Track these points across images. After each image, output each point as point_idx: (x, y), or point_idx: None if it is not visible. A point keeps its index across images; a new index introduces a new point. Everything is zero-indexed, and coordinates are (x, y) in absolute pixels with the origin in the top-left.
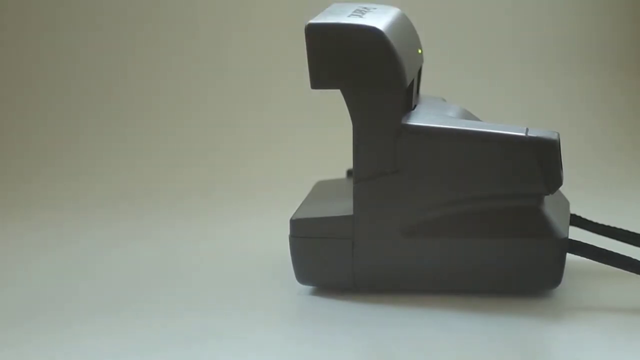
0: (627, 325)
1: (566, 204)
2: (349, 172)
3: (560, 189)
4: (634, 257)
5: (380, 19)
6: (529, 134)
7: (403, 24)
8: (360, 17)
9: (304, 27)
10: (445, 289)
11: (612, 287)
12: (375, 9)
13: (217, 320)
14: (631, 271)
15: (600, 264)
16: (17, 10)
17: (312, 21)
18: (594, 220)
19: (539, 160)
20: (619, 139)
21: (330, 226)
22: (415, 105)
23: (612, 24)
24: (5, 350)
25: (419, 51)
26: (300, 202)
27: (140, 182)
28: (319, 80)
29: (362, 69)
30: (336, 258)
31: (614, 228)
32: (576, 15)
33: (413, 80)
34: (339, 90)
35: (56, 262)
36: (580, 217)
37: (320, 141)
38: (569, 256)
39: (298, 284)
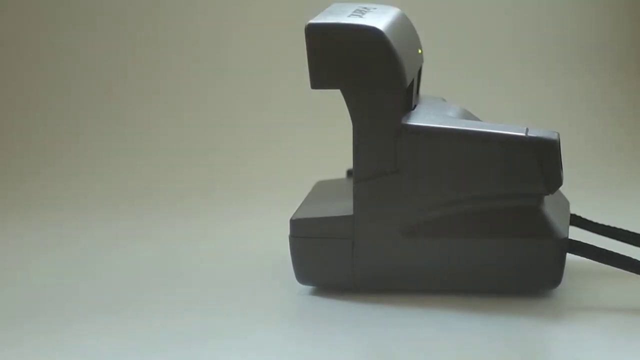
0: (627, 325)
1: (566, 204)
2: (349, 172)
3: (560, 189)
4: (634, 257)
5: (380, 19)
6: (529, 134)
7: (403, 24)
8: (360, 17)
9: (304, 27)
10: (445, 289)
11: (612, 287)
12: (375, 9)
13: (217, 320)
14: (631, 271)
15: (600, 264)
16: (17, 10)
17: (312, 21)
18: (594, 220)
19: (539, 160)
20: (619, 139)
21: (330, 226)
22: (415, 105)
23: (612, 24)
24: (5, 351)
25: (419, 51)
26: (300, 202)
27: (140, 182)
28: (319, 80)
29: (362, 69)
30: (336, 258)
31: (614, 228)
32: (576, 15)
33: (413, 80)
34: (339, 90)
35: (56, 262)
36: (580, 217)
37: (320, 141)
38: (569, 256)
39: (298, 284)
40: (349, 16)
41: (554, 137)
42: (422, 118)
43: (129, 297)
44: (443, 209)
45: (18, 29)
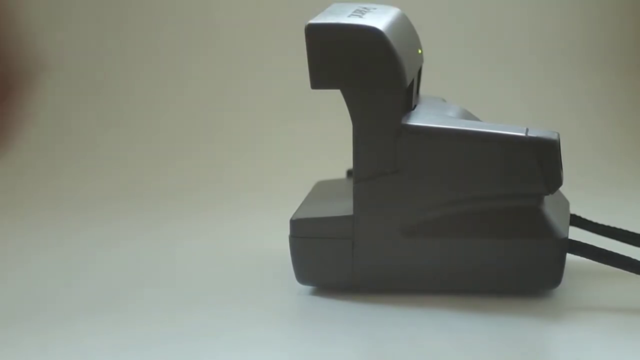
0: (627, 325)
1: (566, 204)
2: (349, 172)
3: (560, 189)
4: (633, 257)
5: (380, 19)
6: (529, 134)
7: (403, 24)
8: (360, 17)
9: (303, 27)
10: (445, 289)
11: (612, 287)
12: (375, 9)
13: (217, 320)
14: (631, 271)
15: (600, 264)
16: (12, 8)
17: (312, 21)
18: (594, 220)
19: (539, 160)
20: (619, 139)
21: (330, 226)
22: (415, 105)
23: (612, 23)
24: (4, 350)
25: (419, 51)
26: (300, 202)
27: (140, 181)
28: (319, 80)
29: (362, 69)
30: (336, 258)
31: (614, 228)
32: (576, 15)
33: (413, 80)
34: (339, 90)
35: (56, 261)
36: (580, 217)
37: (321, 141)
38: (569, 256)
39: (298, 284)
40: (349, 16)
41: (554, 137)
42: (422, 118)
43: (128, 296)
44: (443, 209)
45: (15, 28)
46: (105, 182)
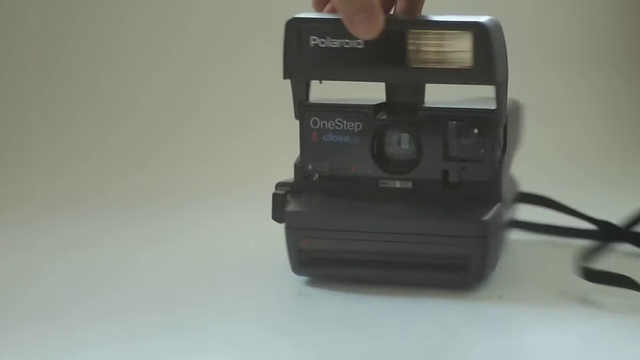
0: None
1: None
2: None
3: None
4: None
5: None
6: None
7: None
8: None
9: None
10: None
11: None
12: None
13: (216, 321)
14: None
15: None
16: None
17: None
18: (593, 218)
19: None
20: (620, 138)
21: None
22: None
23: (614, 24)
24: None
25: None
26: None
27: (140, 184)
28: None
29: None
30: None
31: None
32: (578, 15)
33: None
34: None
35: (62, 266)
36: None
37: None
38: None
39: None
40: None
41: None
42: None
43: (128, 297)
44: None
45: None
46: (106, 186)
